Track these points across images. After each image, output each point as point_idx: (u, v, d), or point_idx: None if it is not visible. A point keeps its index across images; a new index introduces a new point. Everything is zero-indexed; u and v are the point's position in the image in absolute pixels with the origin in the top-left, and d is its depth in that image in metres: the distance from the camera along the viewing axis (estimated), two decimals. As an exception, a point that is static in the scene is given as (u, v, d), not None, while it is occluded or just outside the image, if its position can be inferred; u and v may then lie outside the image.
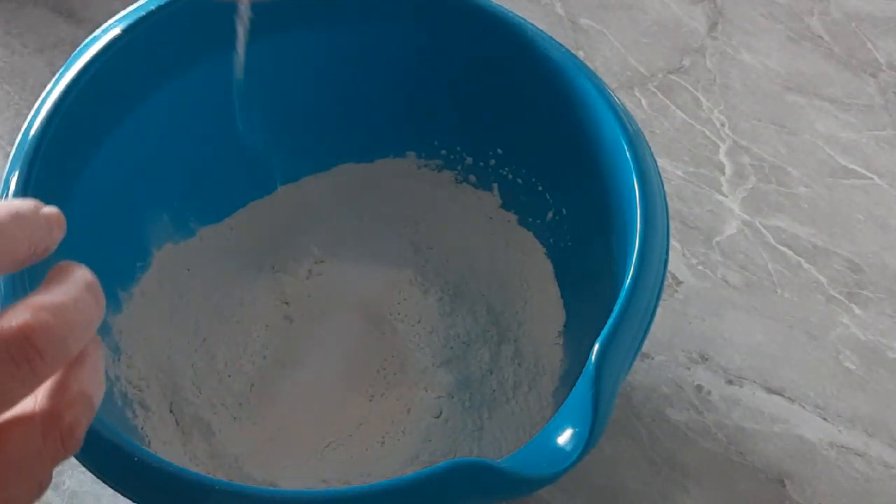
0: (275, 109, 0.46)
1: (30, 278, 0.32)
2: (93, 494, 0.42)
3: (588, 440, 0.29)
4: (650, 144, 0.38)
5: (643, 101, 0.57)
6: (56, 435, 0.21)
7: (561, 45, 0.41)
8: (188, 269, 0.45)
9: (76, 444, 0.22)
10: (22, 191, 0.34)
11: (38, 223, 0.23)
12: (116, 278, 0.43)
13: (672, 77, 0.58)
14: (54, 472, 0.43)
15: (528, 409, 0.42)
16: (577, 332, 0.43)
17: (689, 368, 0.47)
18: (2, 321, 0.20)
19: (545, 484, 0.29)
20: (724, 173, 0.54)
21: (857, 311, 0.49)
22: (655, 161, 0.38)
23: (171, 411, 0.42)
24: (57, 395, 0.21)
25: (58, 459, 0.21)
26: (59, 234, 0.24)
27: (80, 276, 0.23)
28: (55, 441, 0.21)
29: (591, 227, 0.41)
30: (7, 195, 0.34)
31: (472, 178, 0.48)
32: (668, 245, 0.36)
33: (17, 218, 0.22)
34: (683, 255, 0.51)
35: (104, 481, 0.31)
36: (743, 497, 0.43)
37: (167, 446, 0.40)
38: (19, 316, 0.20)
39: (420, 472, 0.29)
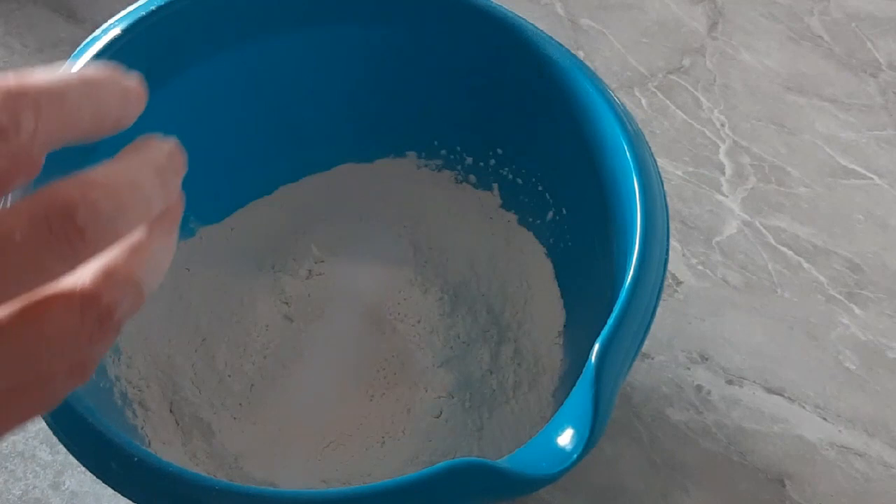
0: (275, 109, 0.46)
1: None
2: (93, 494, 0.42)
3: (588, 440, 0.29)
4: (650, 144, 0.38)
5: (643, 101, 0.57)
6: (94, 315, 0.20)
7: (561, 45, 0.41)
8: (188, 269, 0.45)
9: (115, 329, 0.21)
10: (21, 192, 0.34)
11: (110, 92, 0.21)
12: (116, 278, 0.42)
13: (672, 77, 0.58)
14: (54, 472, 0.43)
15: (528, 409, 0.42)
16: (577, 332, 0.43)
17: (689, 368, 0.47)
18: (47, 193, 0.19)
19: (545, 484, 0.29)
20: (724, 173, 0.54)
21: (857, 311, 0.49)
22: (655, 161, 0.38)
23: (171, 411, 0.42)
24: (101, 275, 0.21)
25: (96, 342, 0.21)
26: (135, 108, 0.22)
27: (153, 157, 0.22)
28: (93, 322, 0.20)
29: (591, 227, 0.41)
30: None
31: (472, 178, 0.48)
32: (668, 245, 0.36)
33: (85, 84, 0.20)
34: (683, 255, 0.51)
35: (104, 481, 0.31)
36: (743, 497, 0.43)
37: (167, 446, 0.40)
38: (65, 190, 0.19)
39: (420, 472, 0.29)
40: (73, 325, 0.20)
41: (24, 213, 0.18)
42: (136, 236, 0.22)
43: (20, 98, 0.18)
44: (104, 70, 0.21)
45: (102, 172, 0.20)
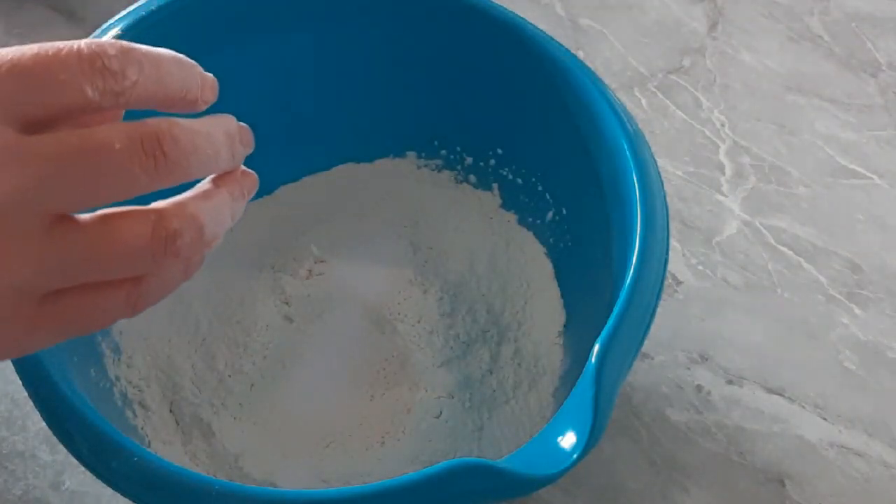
0: (275, 109, 0.46)
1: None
2: (93, 494, 0.42)
3: (588, 440, 0.29)
4: (650, 144, 0.38)
5: (643, 101, 0.57)
6: (162, 234, 0.24)
7: (561, 45, 0.41)
8: (188, 269, 0.45)
9: (177, 253, 0.24)
10: None
11: (193, 73, 0.26)
12: (116, 278, 0.42)
13: (672, 77, 0.58)
14: (54, 472, 0.43)
15: (528, 409, 0.42)
16: (577, 332, 0.43)
17: (689, 368, 0.47)
18: (142, 122, 0.24)
19: (545, 484, 0.29)
20: (724, 173, 0.54)
21: (857, 311, 0.49)
22: (655, 161, 0.38)
23: (171, 411, 0.42)
24: (172, 207, 0.24)
25: (159, 260, 0.24)
26: (210, 95, 0.26)
27: (226, 124, 0.26)
28: (161, 240, 0.24)
29: (591, 227, 0.41)
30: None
31: (472, 178, 0.48)
32: (668, 245, 0.36)
33: (177, 60, 0.25)
34: (683, 255, 0.51)
35: (104, 481, 0.31)
36: (743, 497, 0.43)
37: (167, 446, 0.40)
38: (157, 122, 0.24)
39: (420, 473, 0.29)
40: (144, 239, 0.23)
41: (123, 131, 0.23)
42: (204, 186, 0.26)
43: (129, 53, 0.23)
44: (186, 58, 0.26)
45: (186, 121, 0.25)
